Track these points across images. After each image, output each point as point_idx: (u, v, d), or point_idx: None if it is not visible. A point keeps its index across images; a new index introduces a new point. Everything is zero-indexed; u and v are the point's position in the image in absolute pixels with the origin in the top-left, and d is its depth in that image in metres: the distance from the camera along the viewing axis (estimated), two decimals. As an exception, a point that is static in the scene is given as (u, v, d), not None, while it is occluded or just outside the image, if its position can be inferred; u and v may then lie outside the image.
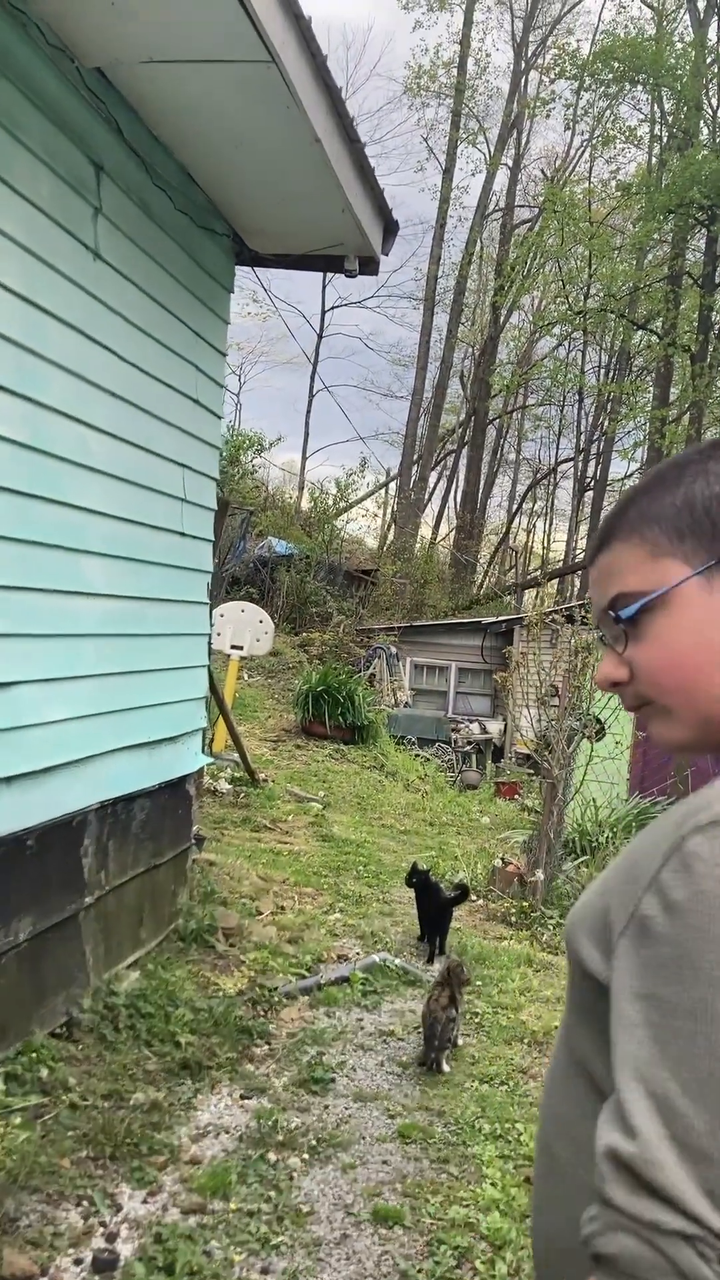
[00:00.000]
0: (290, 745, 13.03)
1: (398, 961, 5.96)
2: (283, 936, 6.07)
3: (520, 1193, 3.81)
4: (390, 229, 5.92)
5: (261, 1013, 5.09)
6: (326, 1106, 4.32)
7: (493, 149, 32.45)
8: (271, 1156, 3.87)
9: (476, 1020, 5.40)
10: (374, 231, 5.68)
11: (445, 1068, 4.74)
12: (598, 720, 7.83)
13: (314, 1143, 4.01)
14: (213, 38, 3.90)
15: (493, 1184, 3.85)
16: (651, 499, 1.12)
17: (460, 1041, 4.97)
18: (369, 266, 6.09)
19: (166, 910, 5.59)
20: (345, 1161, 3.91)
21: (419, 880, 6.49)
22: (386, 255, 6.06)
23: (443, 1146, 4.11)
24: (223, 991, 5.16)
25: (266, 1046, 4.78)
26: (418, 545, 30.95)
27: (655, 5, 27.22)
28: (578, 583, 29.63)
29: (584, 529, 36.70)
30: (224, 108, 4.49)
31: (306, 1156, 3.92)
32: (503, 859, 8.07)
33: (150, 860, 5.28)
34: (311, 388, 32.53)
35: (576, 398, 35.83)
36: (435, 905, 6.41)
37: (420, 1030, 4.96)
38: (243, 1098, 4.29)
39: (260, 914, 6.35)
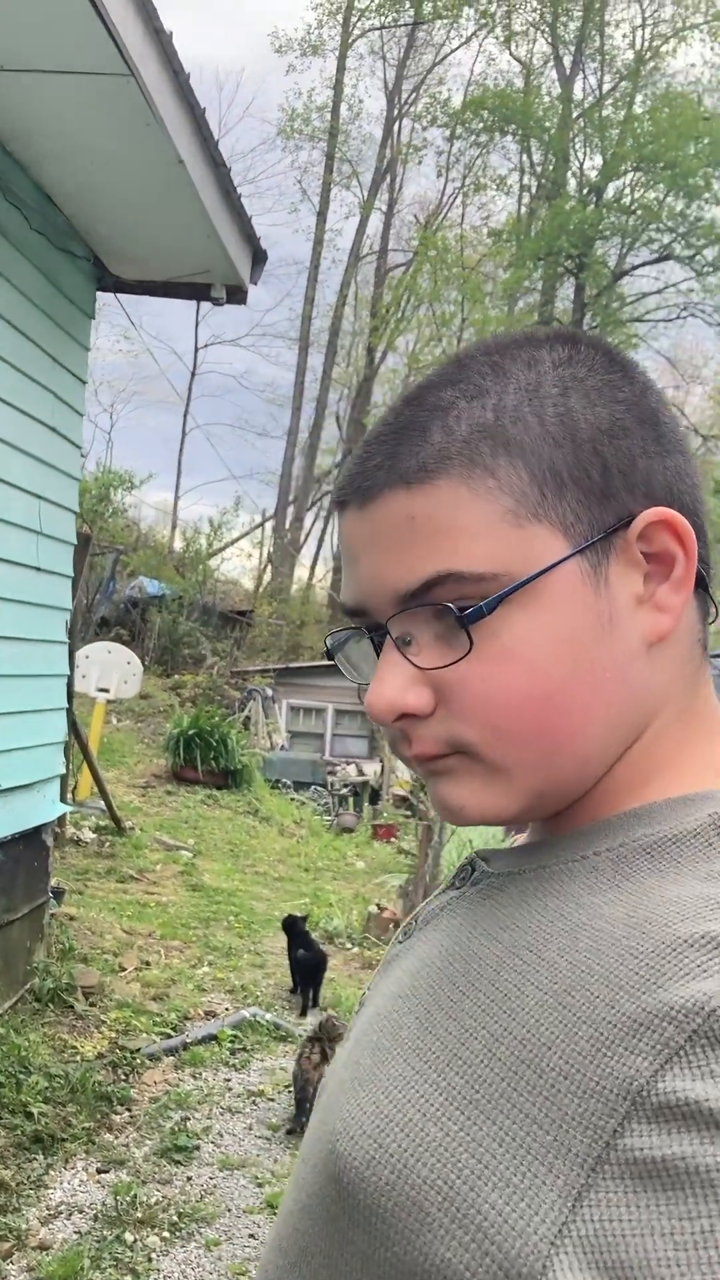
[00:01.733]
0: (160, 791, 12.64)
1: (269, 1016, 5.70)
2: (147, 994, 5.76)
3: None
4: (259, 257, 5.79)
5: (122, 1077, 4.79)
6: (190, 1177, 4.05)
7: (366, 193, 32.91)
8: (129, 1236, 3.59)
9: (351, 1075, 5.18)
10: (241, 260, 5.54)
11: (317, 1129, 4.50)
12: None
13: (175, 1218, 3.74)
14: (67, 46, 3.72)
15: (366, 1255, 3.62)
16: (505, 410, 0.65)
17: (333, 1099, 4.74)
18: (237, 295, 5.94)
19: (20, 969, 5.23)
20: (209, 1238, 3.65)
21: (292, 930, 6.27)
22: (255, 284, 5.93)
23: (314, 1216, 3.87)
24: (81, 1055, 4.83)
25: (127, 1113, 4.49)
26: (294, 586, 30.82)
27: (523, 59, 28.04)
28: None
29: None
30: (82, 124, 4.30)
31: (167, 1234, 3.65)
32: (378, 905, 7.88)
33: (2, 916, 4.94)
34: (184, 426, 32.32)
35: (450, 441, 36.23)
36: (310, 957, 6.18)
37: (291, 1089, 4.72)
38: (100, 1171, 3.99)
39: (123, 970, 6.03)
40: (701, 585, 0.70)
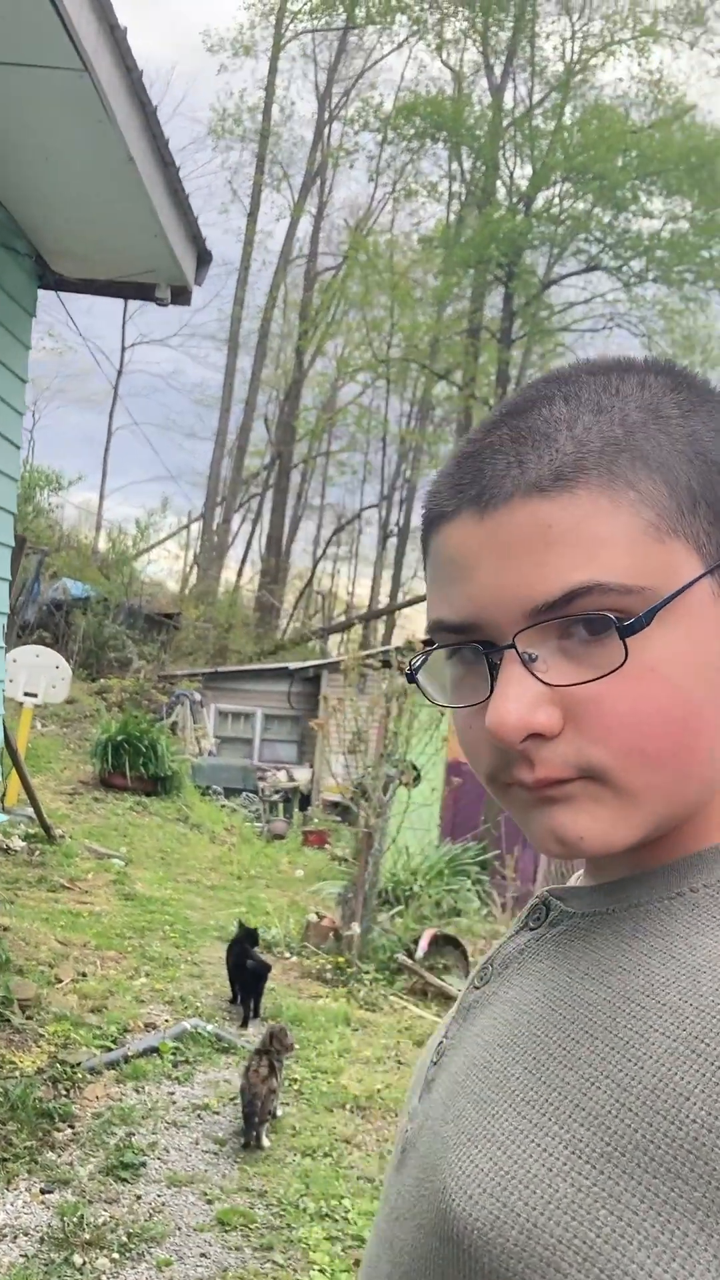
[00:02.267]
0: (88, 798, 12.44)
1: (210, 1028, 5.62)
2: (85, 1006, 5.64)
3: (350, 1278, 3.56)
4: (203, 259, 5.72)
5: (63, 1092, 4.67)
6: (138, 1195, 3.96)
7: (297, 195, 32.88)
8: (77, 1259, 3.49)
9: (295, 1087, 5.13)
10: (187, 260, 5.47)
11: (265, 1142, 4.44)
12: (414, 766, 7.73)
13: (124, 1238, 3.66)
14: (21, 39, 3.63)
15: (321, 1270, 3.59)
16: (634, 427, 0.64)
17: (280, 1112, 4.68)
18: (181, 296, 5.87)
19: (-44, 983, 5.09)
20: (160, 1258, 3.57)
21: (235, 940, 6.22)
22: (199, 285, 5.86)
23: (265, 1232, 3.82)
24: (20, 1071, 4.71)
25: (70, 1130, 4.38)
26: (221, 589, 30.65)
27: (454, 67, 28.24)
28: (382, 628, 29.90)
29: (388, 575, 37.18)
30: (31, 119, 4.20)
31: (116, 1255, 3.56)
32: (317, 913, 7.83)
33: (-62, 929, 4.80)
34: (110, 425, 31.93)
35: (380, 445, 36.43)
36: (251, 969, 6.12)
37: (237, 1102, 4.65)
38: (43, 1191, 3.88)
39: (59, 982, 5.90)
40: None
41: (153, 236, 5.06)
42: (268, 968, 6.12)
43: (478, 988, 0.76)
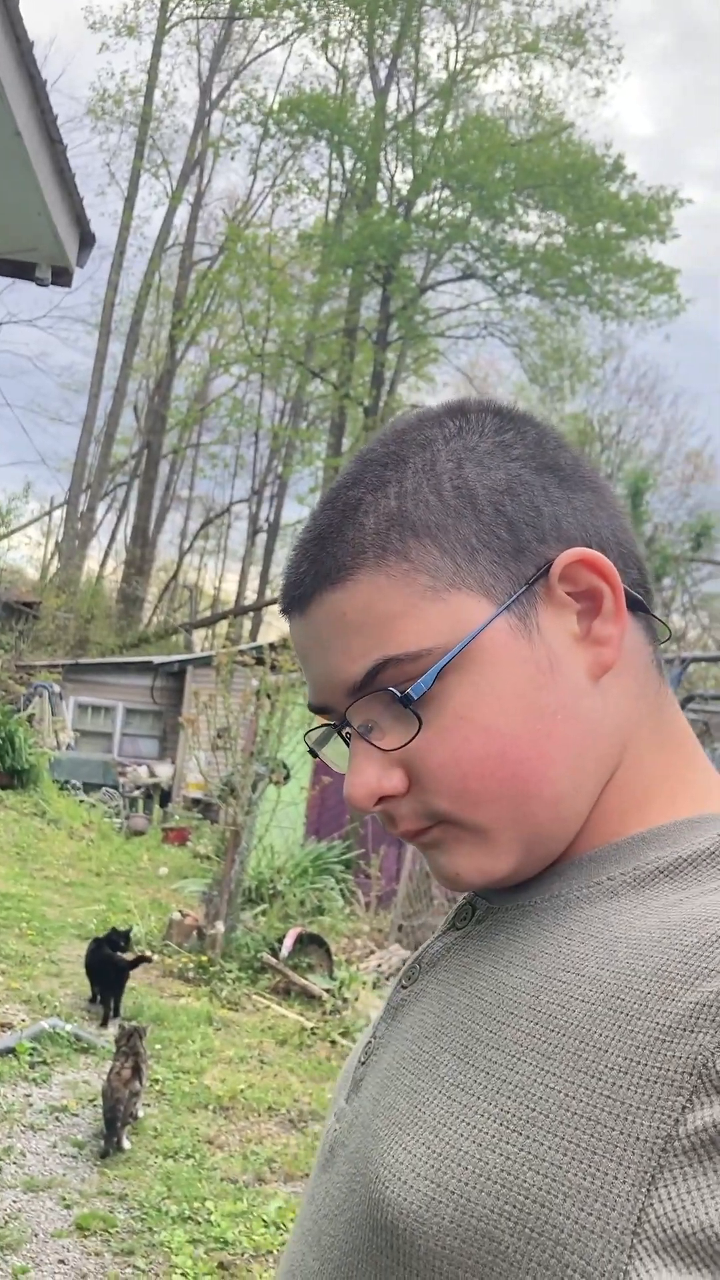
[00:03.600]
0: (-59, 789, 12.07)
1: (69, 1027, 5.50)
2: (-61, 1005, 5.45)
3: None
4: (86, 240, 5.59)
5: None
6: (-7, 1203, 3.84)
7: (175, 183, 32.43)
8: (-72, 1270, 3.36)
9: (157, 1087, 5.05)
10: (70, 241, 5.33)
11: (126, 1144, 4.36)
12: (284, 765, 7.69)
13: (-22, 1247, 3.54)
14: None
15: (183, 1274, 3.54)
16: (406, 495, 0.69)
17: (141, 1113, 4.60)
18: (62, 278, 5.71)
19: None
20: (16, 1265, 3.47)
21: (95, 939, 6.11)
22: (82, 267, 5.72)
23: (126, 1236, 3.75)
24: None
25: None
26: (84, 579, 30.02)
27: (338, 66, 28.29)
28: (249, 624, 29.76)
29: (256, 570, 37.02)
30: None
31: (-30, 1266, 3.44)
32: (180, 911, 7.73)
33: None
34: (-28, 407, 30.95)
35: (253, 439, 36.24)
36: (111, 964, 6.00)
37: (97, 1103, 4.56)
38: None
39: None
40: (642, 608, 0.73)
41: (35, 215, 4.91)
42: (130, 964, 6.02)
43: (405, 987, 0.77)
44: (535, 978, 0.62)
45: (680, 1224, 0.47)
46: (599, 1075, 0.53)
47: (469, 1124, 0.58)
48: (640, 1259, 0.47)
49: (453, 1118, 0.59)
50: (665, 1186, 0.48)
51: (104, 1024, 5.75)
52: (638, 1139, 0.50)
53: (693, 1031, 0.51)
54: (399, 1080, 0.67)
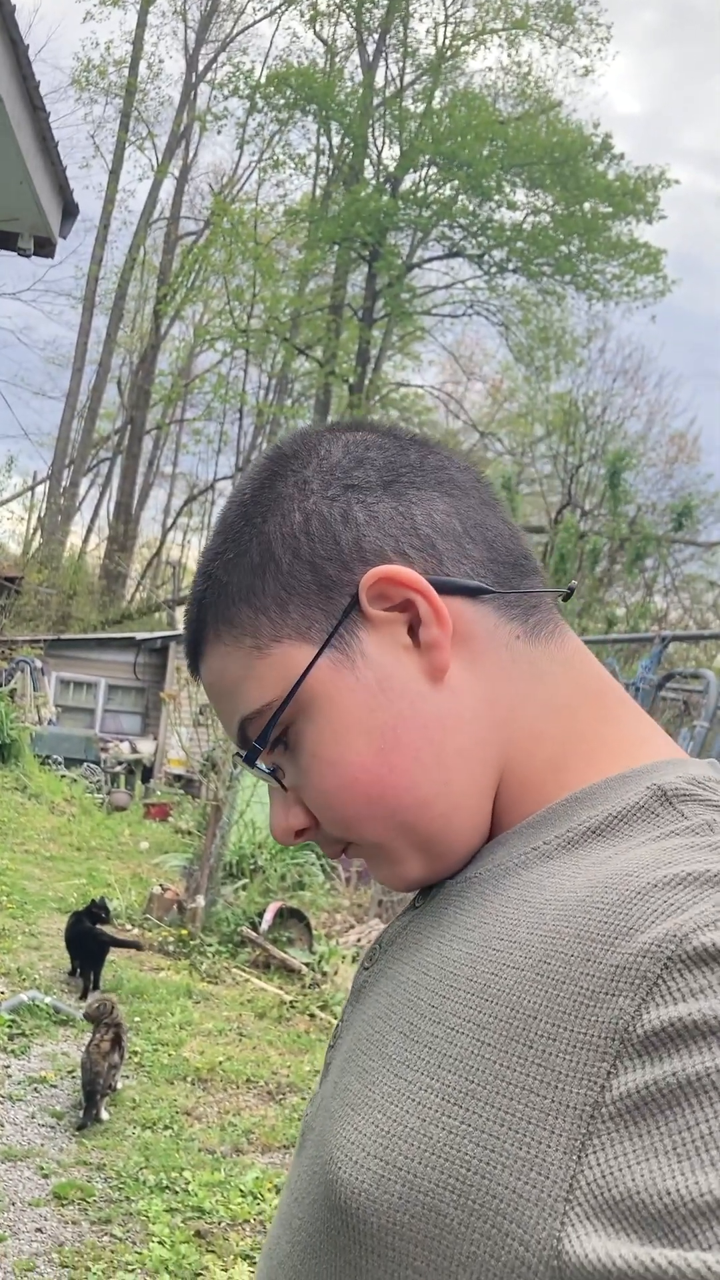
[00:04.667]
0: None
1: (48, 1000, 5.51)
2: None
3: (191, 1249, 3.55)
4: (69, 210, 5.55)
5: None
6: (-29, 1172, 3.85)
7: (161, 156, 32.12)
8: None
9: (136, 1059, 5.07)
10: (53, 211, 5.30)
11: (104, 1115, 4.38)
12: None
13: (-44, 1216, 3.55)
14: None
15: (160, 1242, 3.57)
16: (227, 565, 0.74)
17: (120, 1085, 4.62)
18: (44, 249, 5.68)
19: None
20: (-7, 1234, 3.48)
21: (75, 912, 6.13)
22: (64, 239, 5.69)
23: (104, 1205, 3.77)
24: None
25: None
26: (66, 554, 29.88)
27: (326, 40, 28.02)
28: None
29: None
30: None
31: (-52, 1233, 3.46)
32: (161, 885, 7.74)
33: None
34: (-45, 380, 30.68)
35: (237, 415, 36.06)
36: (91, 938, 6.01)
37: (75, 1075, 4.58)
38: None
39: None
40: (478, 592, 0.72)
41: (18, 184, 4.88)
42: (114, 943, 6.06)
43: (366, 969, 0.78)
44: (473, 949, 0.63)
45: (609, 1190, 0.47)
46: (529, 1043, 0.54)
47: (414, 1100, 0.59)
48: (572, 1225, 0.48)
49: (399, 1095, 0.60)
50: (594, 1153, 0.49)
51: (83, 996, 5.77)
52: (568, 1106, 0.51)
53: (613, 995, 0.51)
54: (354, 1062, 0.68)
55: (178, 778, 15.52)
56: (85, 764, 15.45)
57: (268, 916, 7.15)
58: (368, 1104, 0.62)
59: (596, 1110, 0.49)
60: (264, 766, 0.74)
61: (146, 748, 16.90)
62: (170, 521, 40.28)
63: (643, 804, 0.64)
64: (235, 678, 0.73)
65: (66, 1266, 3.37)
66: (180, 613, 26.63)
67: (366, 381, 23.24)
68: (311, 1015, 6.17)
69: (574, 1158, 0.49)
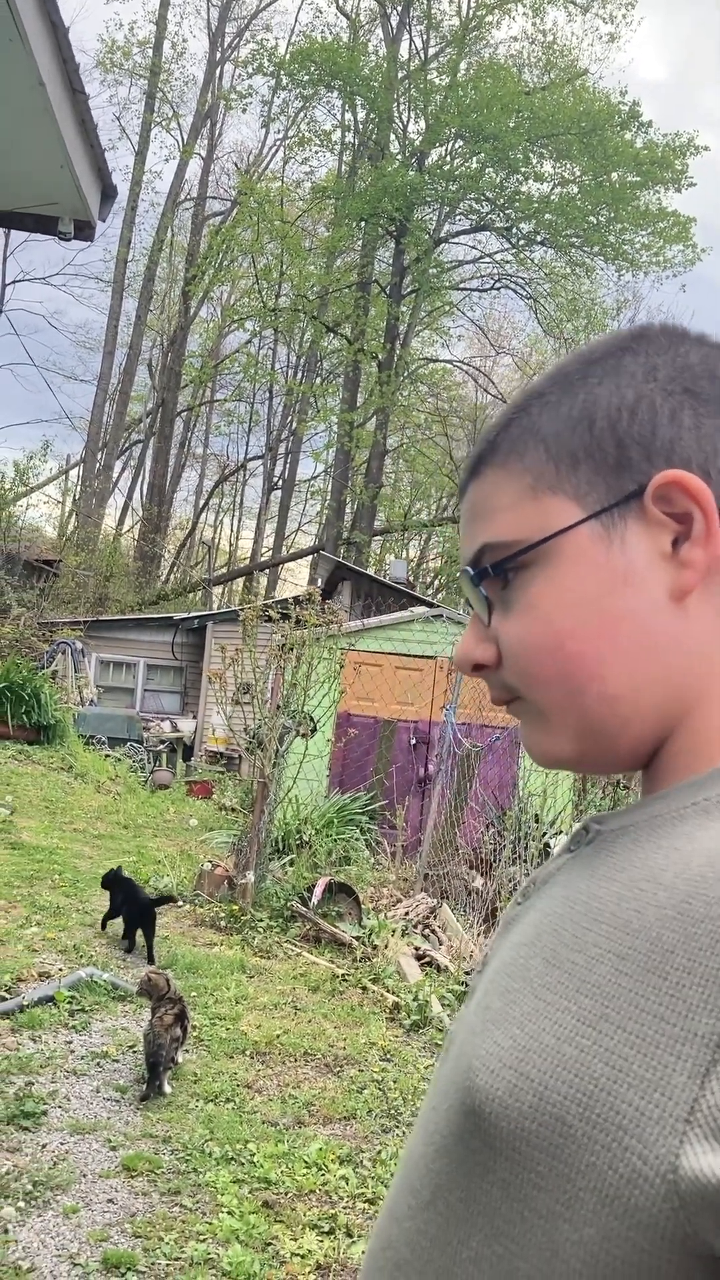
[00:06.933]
0: (-31, 747, 12.17)
1: (106, 976, 5.59)
2: (-22, 955, 5.55)
3: (259, 1219, 3.60)
4: (108, 193, 5.54)
5: (-41, 1043, 4.60)
6: (41, 1144, 3.93)
7: (186, 136, 32.01)
8: (-19, 1208, 3.45)
9: (195, 1034, 5.13)
10: (93, 194, 5.29)
11: (167, 1089, 4.45)
12: (310, 718, 7.73)
13: (29, 1187, 3.63)
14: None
15: (229, 1213, 3.62)
16: (545, 406, 0.77)
17: (180, 1059, 4.69)
18: (84, 232, 5.67)
19: None
20: (66, 1205, 3.55)
21: (112, 880, 6.35)
22: (104, 222, 5.68)
23: (172, 1176, 3.84)
24: None
25: (-33, 1081, 4.31)
26: (101, 536, 30.04)
27: (350, 15, 27.74)
28: (265, 580, 29.75)
29: (271, 526, 36.93)
30: (-65, 32, 3.99)
31: (22, 1204, 3.53)
32: (211, 861, 7.82)
33: None
34: (-12, 365, 30.87)
35: (267, 395, 36.01)
36: (138, 906, 6.17)
37: (136, 1049, 4.65)
38: (-57, 1143, 3.82)
39: (-49, 932, 5.79)
40: None
41: (58, 167, 4.88)
42: (155, 902, 6.27)
43: (519, 904, 0.82)
44: (620, 888, 0.67)
45: None
46: (665, 975, 0.58)
47: (551, 1020, 0.64)
48: (690, 1144, 0.53)
49: (538, 1014, 0.65)
50: (717, 1079, 0.53)
51: (129, 949, 6.01)
52: (696, 1035, 0.55)
53: None
54: (497, 983, 0.72)
55: (218, 756, 15.62)
56: (128, 743, 15.59)
57: (317, 891, 7.21)
58: (508, 1020, 0.67)
59: None
60: (484, 591, 0.78)
61: (186, 726, 17.02)
62: (203, 502, 40.39)
63: None
64: (498, 506, 0.77)
65: (140, 1236, 3.43)
66: (215, 592, 26.63)
67: (395, 358, 23.10)
68: (364, 988, 6.22)
69: (698, 1082, 0.54)
